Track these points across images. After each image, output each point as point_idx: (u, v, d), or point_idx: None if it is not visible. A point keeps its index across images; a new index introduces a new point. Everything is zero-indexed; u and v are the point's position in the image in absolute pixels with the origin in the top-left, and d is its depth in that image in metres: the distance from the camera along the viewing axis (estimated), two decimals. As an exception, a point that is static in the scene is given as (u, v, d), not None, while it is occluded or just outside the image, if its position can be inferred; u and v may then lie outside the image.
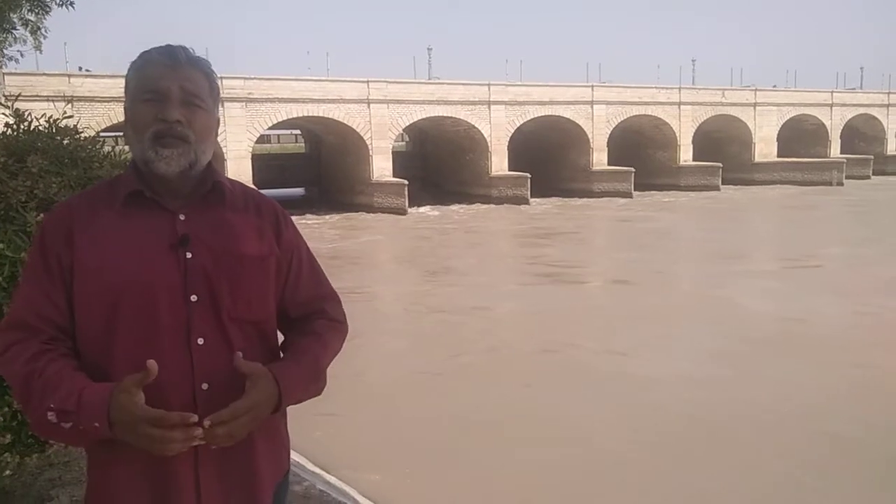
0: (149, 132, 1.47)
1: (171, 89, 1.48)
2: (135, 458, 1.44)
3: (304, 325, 1.67)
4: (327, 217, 30.75)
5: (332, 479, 4.62)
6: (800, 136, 46.32)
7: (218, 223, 1.54)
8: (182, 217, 1.51)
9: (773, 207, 33.07)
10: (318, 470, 4.77)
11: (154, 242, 1.47)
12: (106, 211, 1.50)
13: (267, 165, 37.89)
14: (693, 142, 41.89)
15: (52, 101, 22.73)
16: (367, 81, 33.00)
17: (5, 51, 17.78)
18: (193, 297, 1.46)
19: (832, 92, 47.91)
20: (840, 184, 40.79)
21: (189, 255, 1.47)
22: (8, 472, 3.28)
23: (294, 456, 4.99)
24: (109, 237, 1.47)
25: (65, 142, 2.83)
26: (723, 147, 43.97)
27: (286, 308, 1.66)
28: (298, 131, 48.00)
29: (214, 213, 1.55)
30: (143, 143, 1.48)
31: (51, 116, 2.93)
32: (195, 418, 1.35)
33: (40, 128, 2.86)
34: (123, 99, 1.57)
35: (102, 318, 1.44)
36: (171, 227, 1.49)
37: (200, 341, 1.47)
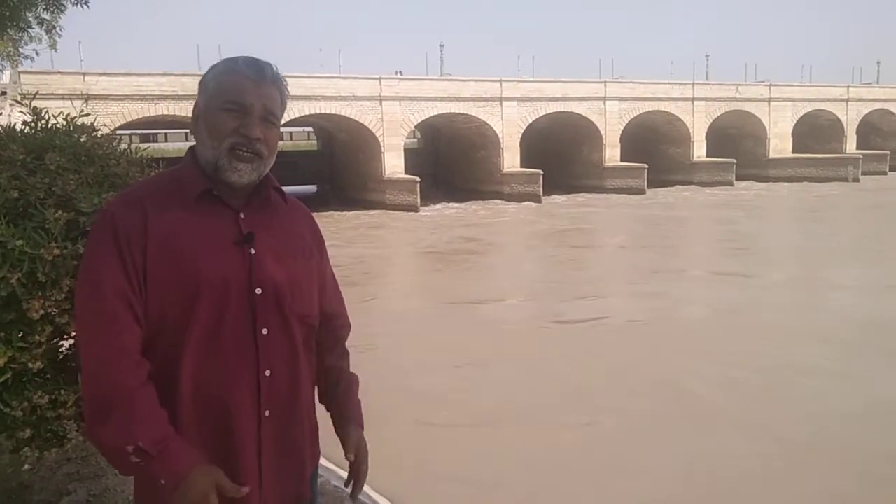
0: (227, 142, 1.55)
1: (254, 106, 1.57)
2: (203, 438, 1.53)
3: (335, 346, 1.89)
4: (340, 214, 30.77)
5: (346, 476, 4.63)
6: (815, 131, 45.89)
7: (272, 223, 1.65)
8: (242, 215, 1.60)
9: (826, 205, 31.73)
10: (332, 466, 4.78)
11: (222, 238, 1.56)
12: (176, 205, 1.56)
13: (279, 163, 36.16)
14: (707, 137, 41.63)
15: (68, 99, 22.83)
16: (380, 78, 33.01)
17: (21, 49, 17.96)
18: (258, 291, 1.56)
19: (848, 87, 47.38)
20: (856, 180, 40.38)
21: (253, 251, 1.57)
22: (27, 466, 3.32)
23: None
24: (182, 231, 1.53)
25: (82, 139, 2.85)
26: (737, 143, 43.64)
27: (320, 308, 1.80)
28: (311, 128, 48.10)
29: (268, 214, 1.65)
30: (219, 150, 1.56)
31: (68, 114, 2.95)
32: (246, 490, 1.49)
33: (58, 125, 2.88)
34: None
35: (179, 308, 1.50)
36: (234, 225, 1.58)
37: (265, 331, 1.57)
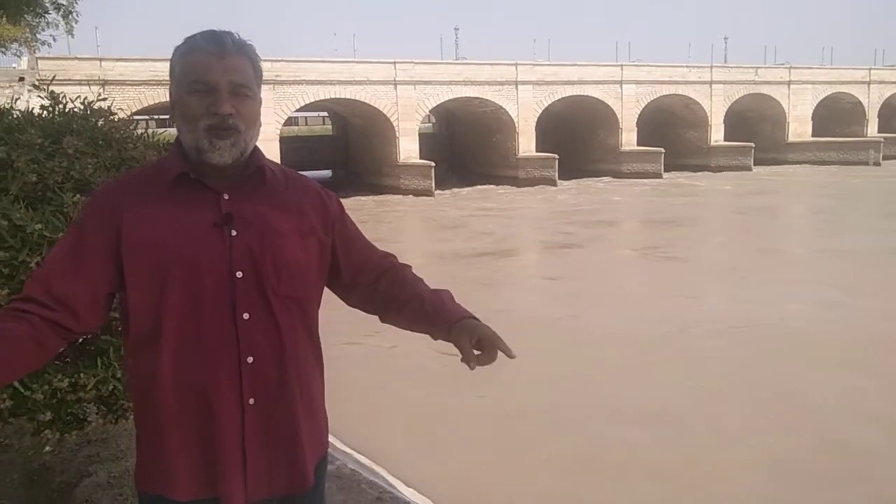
0: (201, 124, 1.50)
1: (220, 83, 1.50)
2: (185, 428, 1.51)
3: (395, 273, 1.77)
4: (359, 198, 30.78)
5: (363, 459, 4.66)
6: (835, 114, 45.16)
7: (260, 203, 1.57)
8: (226, 197, 1.54)
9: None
10: (348, 450, 4.81)
11: (199, 221, 1.51)
12: (153, 191, 1.53)
13: (294, 148, 38.01)
14: (725, 121, 41.13)
15: (85, 84, 22.97)
16: (394, 62, 32.86)
17: (38, 35, 18.07)
18: (239, 274, 1.51)
19: (870, 69, 46.55)
20: (877, 164, 39.81)
21: (234, 233, 1.52)
22: (48, 448, 3.35)
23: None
24: (157, 215, 1.50)
25: (99, 123, 2.85)
26: (755, 126, 43.08)
27: (355, 275, 1.74)
28: (325, 113, 48.08)
29: (257, 194, 1.58)
30: (196, 132, 1.51)
31: (85, 98, 2.96)
32: None
33: (75, 110, 2.89)
34: (168, 82, 1.59)
35: (152, 293, 1.48)
36: (215, 207, 1.53)
37: (246, 316, 1.51)
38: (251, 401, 1.52)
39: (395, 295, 1.74)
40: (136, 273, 1.48)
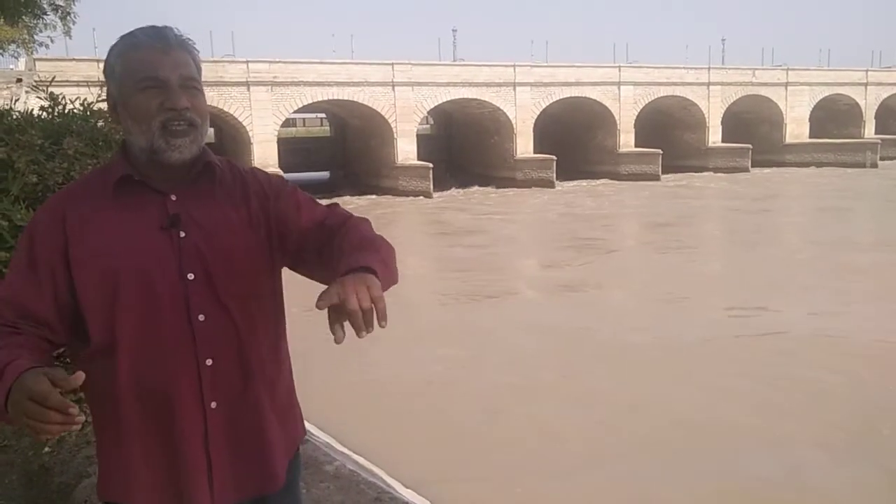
0: (156, 121, 1.44)
1: (170, 78, 1.45)
2: (147, 436, 1.48)
3: (339, 229, 1.55)
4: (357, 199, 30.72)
5: (361, 460, 4.66)
6: (833, 116, 45.26)
7: (209, 202, 1.53)
8: (173, 198, 1.50)
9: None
10: (347, 450, 4.81)
11: (146, 224, 1.48)
12: (98, 197, 1.49)
13: (292, 149, 37.92)
14: (722, 123, 41.20)
15: (83, 86, 22.93)
16: (392, 64, 32.90)
17: (36, 36, 18.04)
18: (190, 276, 1.47)
19: (867, 70, 46.66)
20: (874, 165, 39.91)
21: (182, 235, 1.48)
22: (47, 448, 3.36)
23: (322, 436, 5.05)
24: (102, 223, 1.47)
25: (99, 124, 2.86)
26: (753, 128, 43.16)
27: (303, 234, 1.57)
28: (323, 115, 48.07)
29: (205, 192, 1.54)
30: (151, 132, 1.45)
31: (85, 99, 2.97)
32: (75, 410, 1.19)
33: (75, 111, 2.89)
34: (108, 82, 1.51)
35: (104, 302, 1.44)
36: (162, 209, 1.49)
37: (201, 318, 1.47)
38: (213, 404, 1.49)
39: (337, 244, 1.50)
40: (85, 283, 1.44)
